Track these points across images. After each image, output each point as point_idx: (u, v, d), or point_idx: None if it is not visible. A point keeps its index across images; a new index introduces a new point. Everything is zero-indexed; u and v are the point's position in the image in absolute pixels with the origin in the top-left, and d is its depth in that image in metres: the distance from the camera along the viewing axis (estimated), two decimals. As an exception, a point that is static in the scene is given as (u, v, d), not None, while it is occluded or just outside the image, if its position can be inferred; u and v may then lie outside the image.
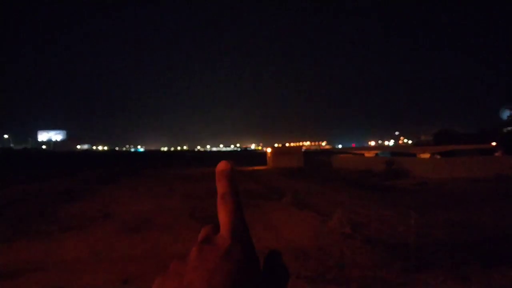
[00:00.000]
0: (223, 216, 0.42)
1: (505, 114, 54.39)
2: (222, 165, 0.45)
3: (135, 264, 6.20)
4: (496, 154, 27.49)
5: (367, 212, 10.30)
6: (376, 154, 35.54)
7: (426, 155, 27.41)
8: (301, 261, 6.03)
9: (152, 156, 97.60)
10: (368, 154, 34.96)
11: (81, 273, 5.79)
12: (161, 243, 7.50)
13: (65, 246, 7.27)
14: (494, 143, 32.19)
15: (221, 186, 0.44)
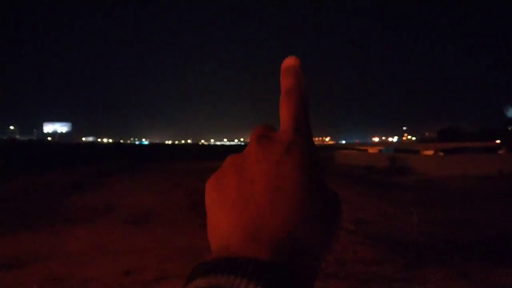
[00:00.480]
0: (285, 112, 0.37)
1: (510, 112, 54.19)
2: (289, 60, 0.39)
3: (138, 256, 6.27)
4: (500, 152, 27.38)
5: (370, 209, 10.33)
6: (380, 150, 35.49)
7: (430, 152, 27.33)
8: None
9: (156, 149, 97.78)
10: (371, 150, 34.91)
11: (84, 265, 5.86)
12: (164, 236, 7.56)
13: (68, 238, 7.33)
14: (498, 141, 32.08)
15: (286, 83, 0.38)
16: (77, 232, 7.84)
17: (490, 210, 10.00)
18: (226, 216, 0.32)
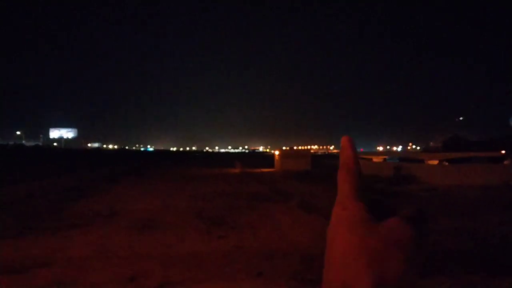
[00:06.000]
0: (339, 182, 0.47)
1: (516, 123, 53.89)
2: (344, 140, 0.50)
3: (142, 262, 6.25)
4: (506, 162, 27.19)
5: (374, 217, 10.25)
6: (384, 159, 35.34)
7: (435, 162, 27.18)
8: (306, 264, 6.04)
9: (161, 155, 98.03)
10: (376, 159, 34.76)
11: (87, 270, 5.84)
12: (167, 242, 7.55)
13: (72, 243, 7.33)
14: (503, 151, 31.86)
15: (341, 157, 0.49)
16: (81, 237, 7.84)
17: (494, 220, 9.92)
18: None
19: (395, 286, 0.39)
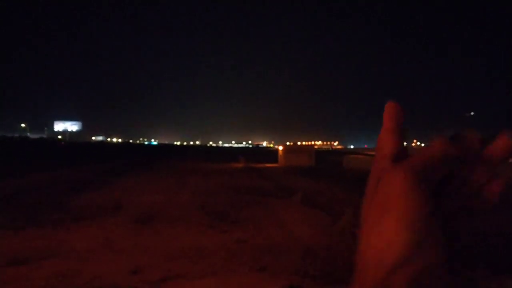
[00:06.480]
0: (383, 142, 0.43)
1: (522, 120, 53.45)
2: (390, 104, 0.43)
3: (145, 255, 6.28)
4: (510, 160, 27.08)
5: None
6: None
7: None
8: (309, 259, 6.04)
9: (165, 149, 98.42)
10: (380, 156, 34.58)
11: (92, 262, 5.87)
12: (171, 235, 7.58)
13: (75, 236, 7.37)
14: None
15: (384, 121, 0.44)
16: (84, 229, 7.88)
17: (496, 218, 9.84)
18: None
19: (388, 262, 0.32)
